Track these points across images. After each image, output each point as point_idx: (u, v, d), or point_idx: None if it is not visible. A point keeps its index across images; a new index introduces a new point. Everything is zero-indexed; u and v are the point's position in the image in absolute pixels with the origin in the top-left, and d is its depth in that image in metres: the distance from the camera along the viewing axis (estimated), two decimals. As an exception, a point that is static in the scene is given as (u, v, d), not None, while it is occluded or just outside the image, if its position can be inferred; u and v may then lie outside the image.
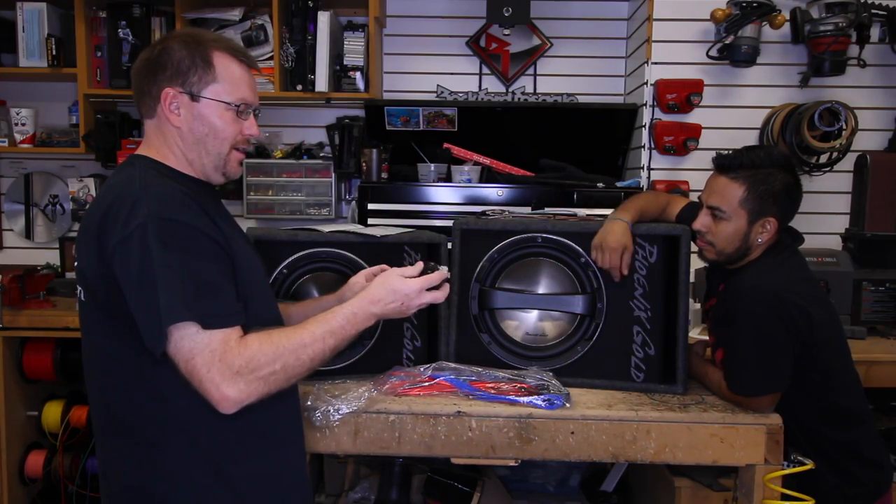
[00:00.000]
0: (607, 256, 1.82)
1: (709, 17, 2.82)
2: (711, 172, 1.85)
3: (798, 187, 1.80)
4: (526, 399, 1.69)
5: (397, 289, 1.43)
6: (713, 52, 2.87)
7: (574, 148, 3.13)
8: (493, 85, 3.34)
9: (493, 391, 1.72)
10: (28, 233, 3.37)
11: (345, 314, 1.37)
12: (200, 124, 1.36)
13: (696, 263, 1.92)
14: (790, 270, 1.78)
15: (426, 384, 1.76)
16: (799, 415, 1.74)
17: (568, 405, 1.69)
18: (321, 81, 2.99)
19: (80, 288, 1.35)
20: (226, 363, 1.19)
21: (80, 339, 1.40)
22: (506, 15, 2.97)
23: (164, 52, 1.35)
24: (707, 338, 1.96)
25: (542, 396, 1.69)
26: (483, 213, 2.16)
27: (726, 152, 1.83)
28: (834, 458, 1.75)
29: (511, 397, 1.70)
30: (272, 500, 1.38)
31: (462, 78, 3.33)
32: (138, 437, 1.31)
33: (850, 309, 2.60)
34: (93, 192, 3.21)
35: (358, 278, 1.63)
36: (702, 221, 1.82)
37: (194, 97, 1.35)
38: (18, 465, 2.91)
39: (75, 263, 1.36)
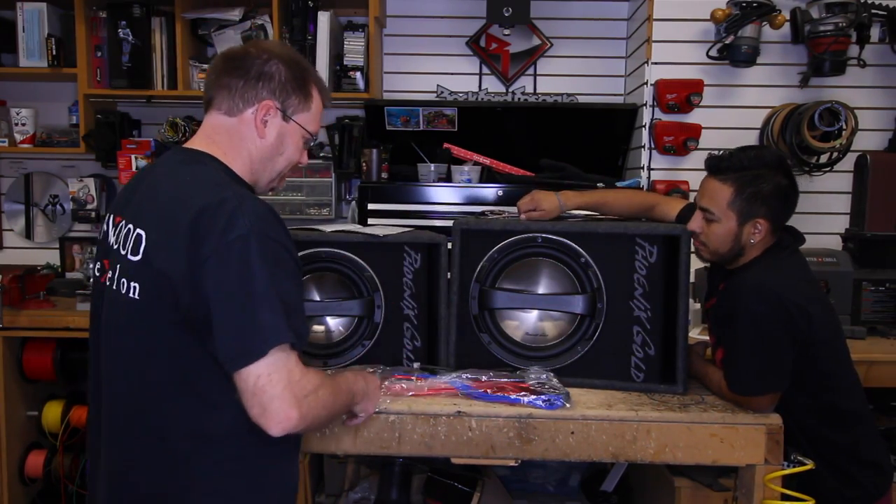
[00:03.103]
0: (525, 203, 1.99)
1: (709, 17, 2.82)
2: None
3: (792, 189, 1.79)
4: (526, 399, 1.69)
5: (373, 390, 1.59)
6: (713, 52, 2.87)
7: (574, 148, 3.13)
8: (493, 85, 3.34)
9: (492, 391, 1.72)
10: (28, 233, 3.37)
11: (356, 383, 1.50)
12: (280, 143, 1.42)
13: (696, 263, 1.92)
14: (790, 270, 1.78)
15: (425, 385, 1.76)
16: (799, 415, 1.74)
17: (568, 405, 1.69)
18: (321, 81, 2.99)
19: (133, 283, 1.27)
20: (300, 386, 1.20)
21: (102, 340, 1.34)
22: (506, 15, 2.97)
23: (272, 64, 1.39)
24: (707, 338, 1.96)
25: (542, 396, 1.69)
26: (482, 213, 2.16)
27: (719, 153, 1.84)
28: (834, 458, 1.75)
29: (511, 397, 1.70)
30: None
31: (462, 78, 3.33)
32: (174, 443, 1.27)
33: (850, 309, 2.60)
34: (93, 192, 3.20)
35: None
36: (696, 222, 1.84)
37: (286, 118, 1.41)
38: (18, 465, 2.91)
39: (133, 258, 1.27)
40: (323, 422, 1.32)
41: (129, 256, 1.28)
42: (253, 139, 1.40)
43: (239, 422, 1.23)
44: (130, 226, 1.31)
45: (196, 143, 1.41)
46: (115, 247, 1.33)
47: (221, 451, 1.28)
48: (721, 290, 1.85)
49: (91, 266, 2.95)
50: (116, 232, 1.34)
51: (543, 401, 1.68)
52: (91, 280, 1.50)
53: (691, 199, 2.07)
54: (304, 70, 1.44)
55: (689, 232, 1.83)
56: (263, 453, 1.31)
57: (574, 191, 2.05)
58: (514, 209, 2.10)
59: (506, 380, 1.77)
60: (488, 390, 1.72)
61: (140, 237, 1.28)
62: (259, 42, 1.48)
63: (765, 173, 1.76)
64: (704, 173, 1.86)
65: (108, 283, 1.33)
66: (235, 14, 3.04)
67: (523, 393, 1.71)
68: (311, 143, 1.51)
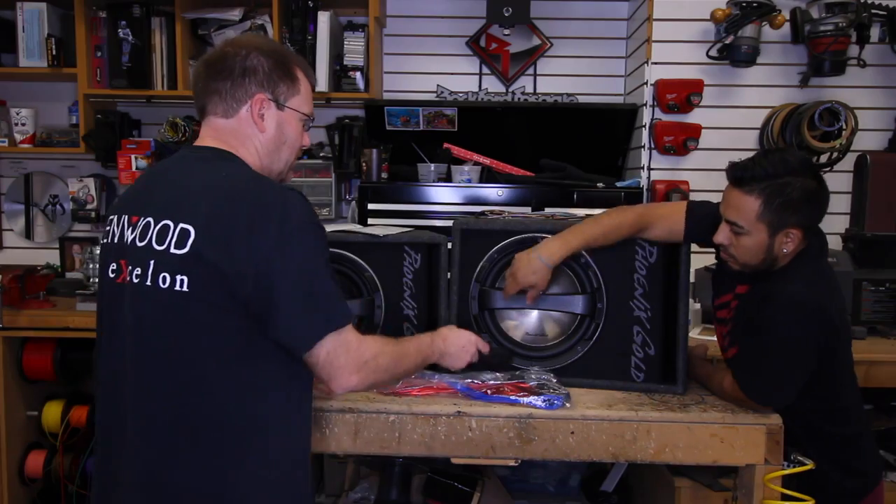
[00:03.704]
0: (511, 287, 1.84)
1: (709, 17, 2.82)
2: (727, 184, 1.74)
3: (822, 190, 1.71)
4: (526, 399, 1.69)
5: (463, 343, 1.71)
6: (713, 52, 2.87)
7: (574, 148, 3.13)
8: (493, 85, 3.34)
9: (492, 392, 1.72)
10: (28, 233, 3.37)
11: (429, 345, 1.62)
12: (281, 132, 1.45)
13: (697, 263, 1.92)
14: (821, 281, 1.73)
15: (425, 385, 1.76)
16: (801, 414, 1.73)
17: (568, 405, 1.69)
18: (321, 81, 2.99)
19: (179, 276, 1.27)
20: (358, 355, 1.35)
21: (135, 335, 1.32)
22: (506, 15, 2.97)
23: (251, 58, 1.41)
24: (706, 338, 1.96)
25: (542, 396, 1.69)
26: (482, 213, 2.16)
27: (739, 161, 1.72)
28: (831, 453, 1.75)
29: (511, 397, 1.70)
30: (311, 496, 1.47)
31: (462, 78, 3.33)
32: (220, 438, 1.29)
33: (851, 309, 2.60)
34: (93, 192, 3.20)
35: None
36: (723, 234, 1.74)
37: (280, 106, 1.44)
38: (18, 465, 2.91)
39: (178, 251, 1.27)
40: (388, 381, 1.52)
41: (172, 250, 1.28)
42: (255, 135, 1.43)
43: (282, 406, 1.35)
44: (167, 222, 1.30)
45: (207, 143, 1.43)
46: (141, 244, 1.32)
47: (267, 439, 1.33)
48: (744, 294, 1.81)
49: (90, 267, 2.97)
50: (134, 230, 1.34)
51: (543, 401, 1.68)
52: (97, 283, 1.50)
53: (686, 200, 2.00)
54: (284, 55, 1.46)
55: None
56: (300, 436, 1.41)
57: (553, 240, 1.83)
58: (513, 209, 2.10)
59: (505, 380, 1.77)
60: (488, 391, 1.72)
61: (186, 231, 1.28)
62: (233, 39, 1.49)
63: (792, 180, 1.65)
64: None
65: (133, 281, 1.32)
66: (235, 14, 3.04)
67: (523, 393, 1.71)
68: (309, 125, 1.53)
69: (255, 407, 1.31)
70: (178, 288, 1.28)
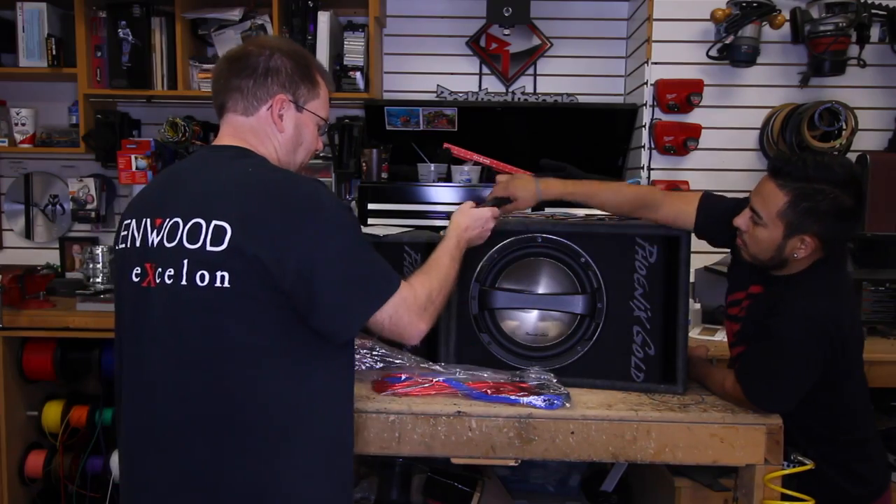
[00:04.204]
0: (498, 191, 1.86)
1: (709, 17, 2.82)
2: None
3: (856, 212, 1.64)
4: (526, 399, 1.69)
5: (477, 216, 1.73)
6: (713, 52, 2.87)
7: (574, 148, 3.13)
8: (493, 85, 3.34)
9: (492, 391, 1.72)
10: (28, 233, 3.37)
11: (455, 244, 1.64)
12: (299, 134, 1.47)
13: (696, 263, 1.92)
14: (839, 294, 1.71)
15: (425, 385, 1.76)
16: (802, 417, 1.73)
17: (568, 405, 1.69)
18: (321, 81, 2.99)
19: (220, 273, 1.27)
20: (418, 305, 1.40)
21: (166, 338, 1.31)
22: (506, 15, 2.97)
23: (275, 59, 1.43)
24: (707, 338, 1.96)
25: (542, 396, 1.69)
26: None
27: (785, 152, 1.71)
28: (835, 458, 1.75)
29: (511, 397, 1.70)
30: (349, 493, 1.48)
31: (462, 78, 3.33)
32: (267, 429, 1.30)
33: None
34: (93, 192, 3.20)
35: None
36: (743, 219, 1.72)
37: (299, 108, 1.46)
38: (18, 465, 2.91)
39: (215, 248, 1.27)
40: (444, 303, 1.51)
41: (209, 248, 1.28)
42: (274, 134, 1.45)
43: (322, 394, 1.37)
44: (198, 220, 1.29)
45: (227, 142, 1.44)
46: (171, 245, 1.30)
47: (308, 430, 1.34)
48: (757, 295, 1.80)
49: (90, 267, 2.97)
50: (160, 232, 1.32)
51: (543, 401, 1.68)
52: (115, 289, 1.47)
53: (703, 191, 1.96)
54: (306, 58, 1.48)
55: (689, 233, 1.82)
56: (341, 428, 1.42)
57: (555, 179, 1.90)
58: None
59: (505, 380, 1.77)
60: (488, 391, 1.72)
61: (221, 228, 1.28)
62: (256, 39, 1.53)
63: (827, 189, 1.59)
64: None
65: (164, 283, 1.30)
66: (235, 14, 3.04)
67: (523, 393, 1.71)
68: (324, 130, 1.56)
69: (298, 397, 1.33)
70: (218, 284, 1.27)
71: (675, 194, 1.92)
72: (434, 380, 1.77)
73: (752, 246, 1.72)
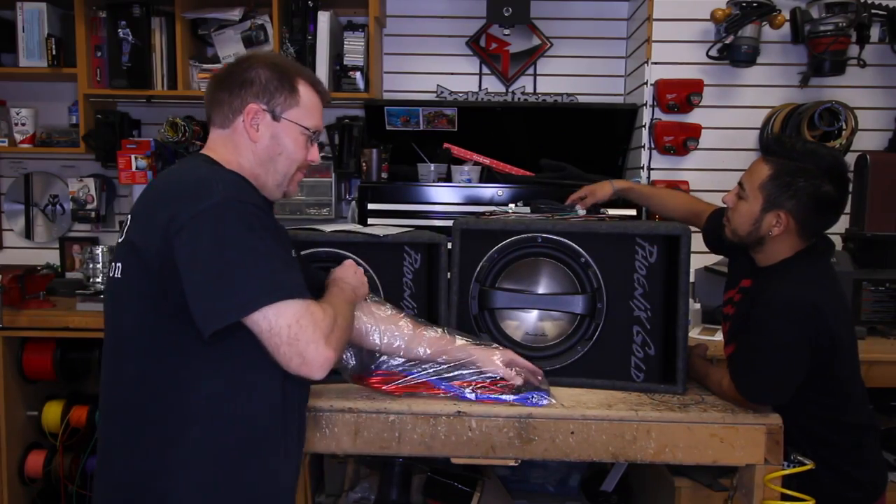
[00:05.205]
0: (583, 192, 2.19)
1: (709, 17, 2.82)
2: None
3: (835, 203, 1.68)
4: (512, 397, 1.69)
5: (351, 269, 1.66)
6: (713, 52, 2.87)
7: (574, 148, 3.12)
8: (493, 85, 3.34)
9: (477, 392, 1.71)
10: (28, 233, 3.37)
11: (343, 292, 1.54)
12: (276, 143, 1.44)
13: (696, 263, 1.92)
14: (823, 283, 1.72)
15: (408, 383, 1.74)
16: (802, 418, 1.73)
17: (553, 400, 1.69)
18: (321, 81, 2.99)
19: (116, 264, 1.35)
20: (321, 327, 1.26)
21: (104, 329, 1.39)
22: (506, 15, 2.97)
23: (252, 70, 1.43)
24: (706, 338, 1.96)
25: (527, 394, 1.69)
26: (483, 213, 2.16)
27: (781, 136, 1.81)
28: (834, 460, 1.74)
29: (502, 397, 1.70)
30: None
31: (462, 78, 3.33)
32: (154, 425, 1.30)
33: (850, 309, 2.60)
34: (93, 192, 3.20)
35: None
36: (730, 195, 1.80)
37: (276, 117, 1.43)
38: (18, 465, 2.91)
39: (119, 239, 1.38)
40: (345, 344, 1.41)
41: (118, 241, 1.39)
42: (248, 145, 1.44)
43: (220, 398, 1.30)
44: (129, 216, 1.39)
45: (202, 151, 1.48)
46: (120, 240, 1.40)
47: (201, 433, 1.30)
48: (747, 288, 1.81)
49: (90, 267, 2.97)
50: (122, 229, 1.41)
51: (526, 399, 1.68)
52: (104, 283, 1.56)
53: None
54: (285, 68, 1.46)
55: (689, 232, 1.82)
56: (248, 436, 1.33)
57: (642, 186, 2.18)
58: (507, 208, 2.13)
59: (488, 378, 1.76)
60: (475, 391, 1.71)
61: (126, 221, 1.38)
62: (250, 54, 1.52)
63: (811, 171, 1.65)
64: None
65: (110, 276, 1.39)
66: (235, 14, 3.04)
67: (505, 391, 1.70)
68: (316, 139, 1.51)
69: (190, 395, 1.29)
70: (115, 275, 1.36)
71: (716, 206, 2.04)
72: (414, 376, 1.73)
73: (734, 220, 1.77)
